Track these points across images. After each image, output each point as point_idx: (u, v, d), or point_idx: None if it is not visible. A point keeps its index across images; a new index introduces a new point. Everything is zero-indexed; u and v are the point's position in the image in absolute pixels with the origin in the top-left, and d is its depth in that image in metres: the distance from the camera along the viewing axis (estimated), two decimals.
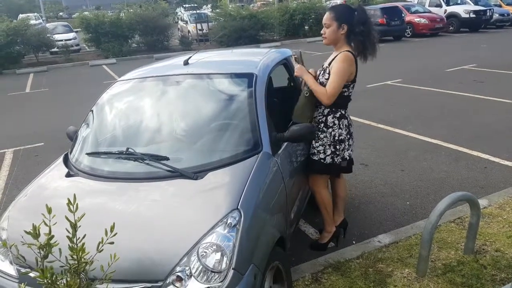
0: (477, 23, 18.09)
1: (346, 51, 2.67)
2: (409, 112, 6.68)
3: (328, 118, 2.78)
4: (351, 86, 2.77)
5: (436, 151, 4.91)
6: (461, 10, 18.17)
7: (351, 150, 2.92)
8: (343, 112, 2.81)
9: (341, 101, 2.76)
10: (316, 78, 2.82)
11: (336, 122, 2.77)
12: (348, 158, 2.89)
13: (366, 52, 2.71)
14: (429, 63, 11.21)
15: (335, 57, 2.73)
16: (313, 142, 2.84)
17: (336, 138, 2.78)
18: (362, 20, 2.65)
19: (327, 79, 2.69)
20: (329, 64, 2.75)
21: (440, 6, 18.86)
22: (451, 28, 18.32)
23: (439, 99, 7.43)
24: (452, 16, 18.38)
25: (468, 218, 2.85)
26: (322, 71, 2.80)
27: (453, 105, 6.97)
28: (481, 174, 4.24)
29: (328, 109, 2.77)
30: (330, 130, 2.77)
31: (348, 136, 2.85)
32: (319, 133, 2.81)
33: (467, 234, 2.83)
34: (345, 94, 2.75)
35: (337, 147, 2.80)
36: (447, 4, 18.90)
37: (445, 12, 18.54)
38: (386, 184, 4.15)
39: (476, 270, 2.66)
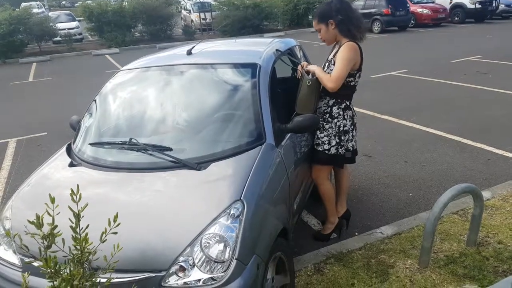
0: (483, 14, 17.94)
1: (349, 41, 2.69)
2: (413, 103, 6.65)
3: (333, 109, 2.78)
4: (357, 75, 2.76)
5: (440, 143, 4.89)
6: (466, 0, 17.97)
7: (355, 141, 2.92)
8: (347, 103, 2.81)
9: (347, 92, 2.77)
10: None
11: (341, 113, 2.78)
12: (352, 149, 2.89)
13: (355, 36, 2.72)
14: (434, 54, 11.12)
15: (338, 49, 2.71)
16: (318, 132, 2.85)
17: (341, 129, 2.79)
18: (336, 9, 2.68)
19: (332, 70, 2.68)
20: (333, 55, 2.74)
21: None
22: (456, 18, 18.17)
23: (444, 90, 7.38)
24: (457, 6, 18.20)
25: (471, 210, 2.85)
26: (327, 63, 2.79)
27: (458, 96, 6.93)
28: (485, 166, 4.23)
29: (333, 100, 2.78)
30: (335, 120, 2.78)
31: (352, 127, 2.85)
32: (324, 123, 2.82)
33: (470, 226, 2.82)
34: (351, 83, 2.76)
35: (342, 138, 2.80)
36: None
37: (450, 3, 18.35)
38: (389, 176, 4.14)
39: (479, 262, 2.66)
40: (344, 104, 2.79)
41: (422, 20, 17.26)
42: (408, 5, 16.94)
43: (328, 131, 2.81)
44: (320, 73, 2.69)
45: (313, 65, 2.86)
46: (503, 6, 18.64)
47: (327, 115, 2.80)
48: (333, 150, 2.81)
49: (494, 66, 9.05)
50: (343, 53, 2.64)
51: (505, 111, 5.96)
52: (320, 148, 2.84)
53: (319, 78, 2.69)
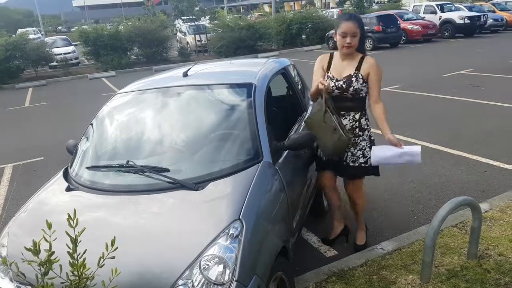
0: (472, 29, 18.32)
1: (367, 55, 2.79)
2: (408, 118, 6.70)
3: (361, 121, 2.82)
4: None
5: (436, 156, 4.91)
6: (455, 16, 18.39)
7: None
8: (366, 112, 2.89)
9: (365, 102, 2.85)
10: (327, 87, 2.68)
11: (368, 123, 2.86)
12: None
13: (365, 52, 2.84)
14: (426, 69, 11.27)
15: (359, 64, 2.75)
16: (352, 149, 2.83)
17: (372, 138, 2.87)
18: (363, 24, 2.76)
19: (362, 84, 2.74)
20: (356, 69, 2.75)
21: (435, 13, 19.12)
22: (446, 34, 18.53)
23: (437, 104, 7.45)
24: (447, 22, 18.60)
25: (470, 222, 2.85)
26: (355, 78, 2.73)
27: (451, 110, 6.99)
28: (481, 178, 4.24)
29: (359, 113, 2.81)
30: (366, 131, 2.83)
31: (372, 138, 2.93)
32: (356, 139, 2.81)
33: (469, 239, 2.81)
34: (363, 94, 2.81)
35: (372, 146, 2.84)
36: (442, 10, 19.14)
37: (440, 19, 18.75)
38: (387, 190, 4.14)
39: (480, 275, 2.64)
40: (366, 114, 2.86)
41: (413, 36, 17.58)
42: (398, 22, 17.28)
43: (361, 144, 2.82)
44: (383, 124, 2.77)
45: (320, 80, 2.71)
46: (491, 20, 19.07)
47: (357, 129, 2.81)
48: (369, 161, 2.82)
49: (485, 79, 9.17)
50: (378, 69, 2.74)
51: (498, 122, 6.01)
52: (356, 164, 2.84)
53: (381, 123, 2.77)
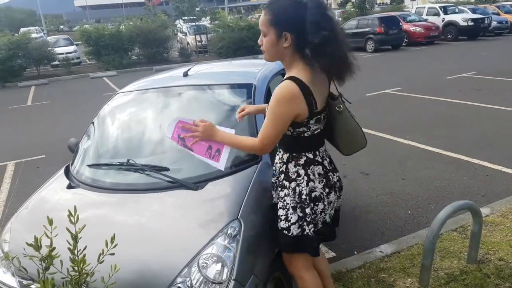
0: (476, 31, 18.30)
1: (289, 78, 1.70)
2: (409, 121, 6.70)
3: (289, 167, 1.89)
4: (313, 120, 1.78)
5: (437, 160, 4.91)
6: (459, 18, 18.38)
7: (335, 208, 2.01)
8: (310, 155, 1.86)
9: (304, 141, 1.84)
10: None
11: (302, 172, 1.85)
12: (329, 221, 1.97)
13: (339, 71, 1.74)
14: (429, 71, 11.27)
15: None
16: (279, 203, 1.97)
17: (304, 197, 1.85)
18: (318, 19, 1.63)
19: None
20: None
21: (438, 15, 19.10)
22: (449, 36, 18.52)
23: (439, 107, 7.45)
24: (450, 24, 18.59)
25: (471, 226, 2.85)
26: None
27: (453, 113, 6.99)
28: (482, 182, 4.24)
29: (288, 154, 1.89)
30: (294, 184, 1.87)
31: (328, 190, 1.89)
32: (279, 189, 1.95)
33: (469, 243, 2.81)
34: (306, 134, 1.82)
35: (307, 210, 1.85)
36: (445, 13, 19.13)
37: (443, 21, 18.74)
38: (387, 193, 4.15)
39: (480, 280, 2.64)
40: (305, 158, 1.86)
41: (415, 39, 17.58)
42: (401, 24, 17.28)
43: (285, 200, 1.89)
44: (233, 142, 1.89)
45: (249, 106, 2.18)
46: (495, 23, 19.07)
47: (282, 175, 1.92)
48: (294, 230, 1.86)
49: (488, 82, 9.17)
50: (272, 103, 1.70)
51: (501, 126, 6.01)
52: (279, 227, 1.93)
53: (232, 144, 1.90)
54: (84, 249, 1.37)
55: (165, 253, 1.84)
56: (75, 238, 1.35)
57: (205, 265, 1.76)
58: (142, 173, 2.25)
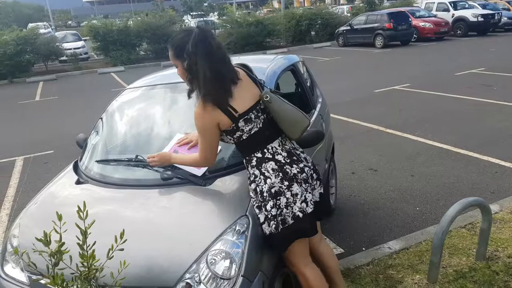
0: (485, 27, 18.08)
1: (202, 100, 1.83)
2: (418, 117, 6.65)
3: (248, 169, 1.98)
4: (241, 123, 1.86)
5: (446, 156, 4.87)
6: (469, 14, 18.15)
7: (308, 201, 1.92)
8: (259, 155, 1.92)
9: (247, 144, 1.93)
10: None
11: (257, 172, 1.92)
12: (301, 215, 1.89)
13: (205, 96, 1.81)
14: (438, 67, 11.16)
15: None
16: None
17: (265, 194, 1.89)
18: (195, 43, 1.77)
19: None
20: None
21: (447, 10, 18.87)
22: (459, 32, 18.32)
23: (448, 103, 7.39)
24: (460, 20, 18.36)
25: (480, 223, 2.82)
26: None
27: (462, 109, 6.92)
28: (492, 179, 4.20)
29: (244, 159, 2.00)
30: (253, 185, 1.94)
31: (287, 183, 1.88)
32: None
33: (478, 240, 2.79)
34: (244, 137, 1.90)
35: (267, 206, 1.88)
36: (455, 8, 18.89)
37: (453, 16, 18.53)
38: (395, 190, 4.12)
39: (488, 277, 2.62)
40: (255, 158, 1.93)
41: (425, 34, 17.40)
42: (410, 19, 17.11)
43: (251, 202, 1.97)
44: (182, 160, 2.13)
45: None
46: (506, 19, 18.80)
47: (248, 180, 2.01)
48: (265, 229, 1.91)
49: (498, 79, 9.06)
50: (195, 121, 1.88)
51: (510, 123, 5.94)
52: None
53: (183, 163, 2.13)
54: (93, 244, 1.37)
55: (173, 248, 1.84)
56: (84, 233, 1.36)
57: (213, 261, 1.77)
58: (150, 169, 2.25)
